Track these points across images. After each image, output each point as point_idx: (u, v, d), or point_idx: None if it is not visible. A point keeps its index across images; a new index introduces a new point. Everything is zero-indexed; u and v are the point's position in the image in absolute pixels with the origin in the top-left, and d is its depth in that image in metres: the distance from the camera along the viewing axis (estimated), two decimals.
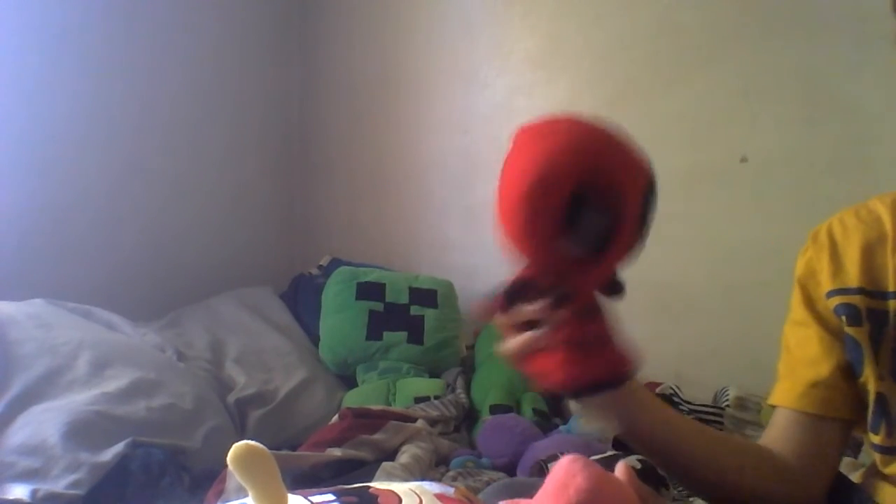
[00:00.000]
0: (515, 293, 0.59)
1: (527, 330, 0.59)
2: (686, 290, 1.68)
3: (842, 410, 0.72)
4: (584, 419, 1.38)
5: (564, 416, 1.56)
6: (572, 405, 1.58)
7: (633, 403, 0.68)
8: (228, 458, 0.36)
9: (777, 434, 0.75)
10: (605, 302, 0.61)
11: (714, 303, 1.64)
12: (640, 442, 0.72)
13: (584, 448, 1.19)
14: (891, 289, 0.70)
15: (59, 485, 1.09)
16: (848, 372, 0.72)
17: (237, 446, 0.36)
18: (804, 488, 0.72)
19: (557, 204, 0.52)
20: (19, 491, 1.06)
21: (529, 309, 0.59)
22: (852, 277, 0.72)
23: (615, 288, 0.60)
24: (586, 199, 0.52)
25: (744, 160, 1.61)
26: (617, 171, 0.54)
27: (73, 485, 1.09)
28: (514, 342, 0.60)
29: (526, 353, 0.59)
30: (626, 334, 0.62)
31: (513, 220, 0.55)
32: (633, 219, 0.55)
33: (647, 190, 0.57)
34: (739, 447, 0.78)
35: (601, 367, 0.59)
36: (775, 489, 0.72)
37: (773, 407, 0.79)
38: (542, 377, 0.60)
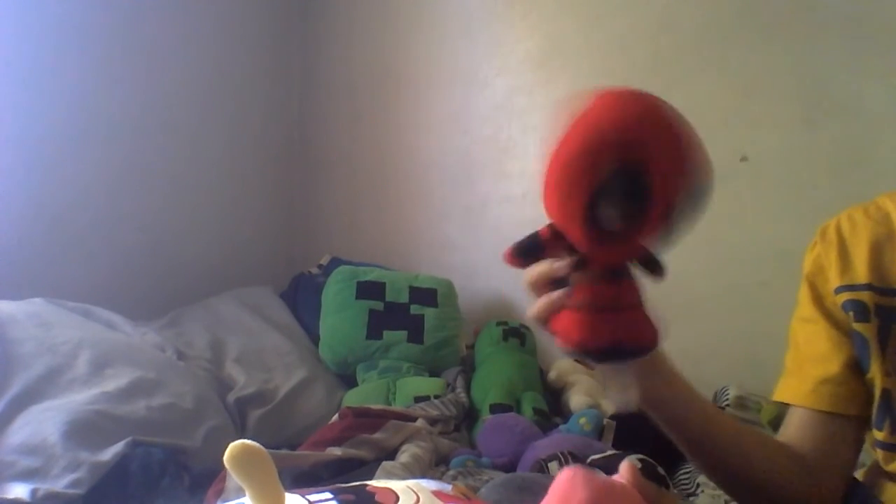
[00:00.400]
0: (529, 249, 0.59)
1: (553, 290, 0.59)
2: (686, 290, 1.67)
3: (852, 407, 0.72)
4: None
5: (564, 416, 1.56)
6: (574, 402, 1.58)
7: (664, 381, 0.69)
8: (225, 458, 0.36)
9: (792, 432, 0.76)
10: (637, 273, 0.60)
11: (714, 303, 1.64)
12: (670, 421, 0.72)
13: (585, 447, 1.19)
14: None
15: (59, 484, 1.08)
16: (857, 368, 0.72)
17: (233, 446, 0.36)
18: (821, 484, 0.73)
19: (592, 177, 0.53)
20: (19, 490, 1.06)
21: (552, 266, 0.59)
22: (860, 274, 0.72)
23: (653, 267, 0.59)
24: (620, 179, 0.52)
25: (744, 160, 1.61)
26: (659, 161, 0.53)
27: (73, 484, 1.09)
28: (539, 302, 0.59)
29: (548, 313, 0.59)
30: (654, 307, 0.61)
31: (551, 183, 0.55)
32: (662, 211, 0.54)
33: (691, 188, 0.55)
34: (762, 439, 0.78)
35: (620, 332, 0.58)
36: (794, 483, 0.72)
37: (780, 403, 0.79)
38: (561, 338, 0.59)
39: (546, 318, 0.59)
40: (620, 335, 0.58)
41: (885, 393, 0.69)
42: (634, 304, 0.59)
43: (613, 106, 0.54)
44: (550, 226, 0.58)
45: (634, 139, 0.52)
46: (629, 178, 0.52)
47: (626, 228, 0.54)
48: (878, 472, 0.72)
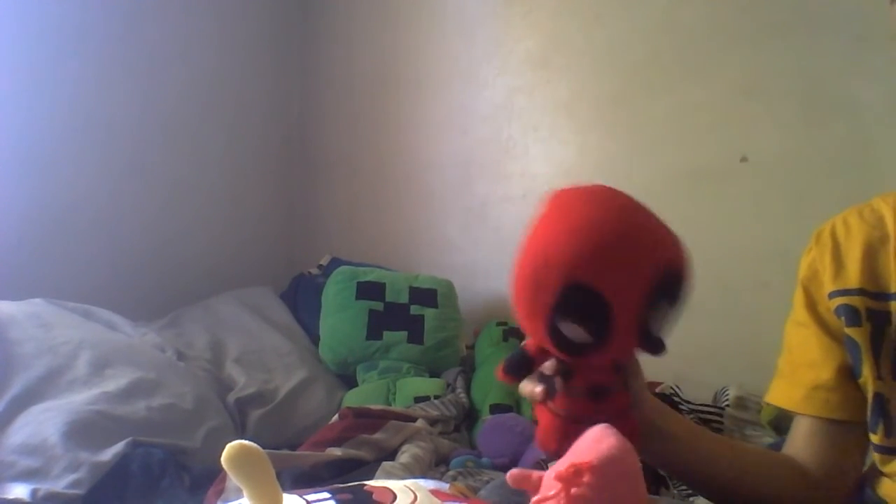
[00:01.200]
0: (519, 366, 0.60)
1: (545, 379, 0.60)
2: None
3: (847, 412, 0.72)
4: None
5: None
6: None
7: (659, 436, 0.69)
8: (222, 459, 0.36)
9: (796, 443, 0.76)
10: (623, 382, 0.60)
11: (714, 303, 1.64)
12: (670, 468, 0.73)
13: None
14: (892, 290, 0.70)
15: (60, 484, 1.08)
16: (850, 374, 0.72)
17: (231, 446, 0.36)
18: (828, 492, 0.73)
19: (548, 297, 0.53)
20: (19, 490, 1.06)
21: (538, 373, 0.60)
22: (853, 278, 0.72)
23: (653, 346, 0.58)
24: (573, 297, 0.52)
25: (744, 160, 1.61)
26: (611, 274, 0.52)
27: (73, 484, 1.09)
28: (525, 389, 0.62)
29: (534, 402, 0.61)
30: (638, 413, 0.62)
31: (515, 298, 0.57)
32: (626, 319, 0.53)
33: (656, 288, 0.54)
34: (766, 460, 0.78)
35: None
36: (801, 497, 0.72)
37: (770, 405, 0.79)
38: (537, 433, 0.61)
39: (533, 404, 0.61)
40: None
41: (878, 397, 0.69)
42: (615, 417, 0.57)
43: (557, 218, 0.54)
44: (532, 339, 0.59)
45: (575, 259, 0.52)
46: (581, 294, 0.52)
47: (598, 339, 0.53)
48: (875, 473, 0.72)
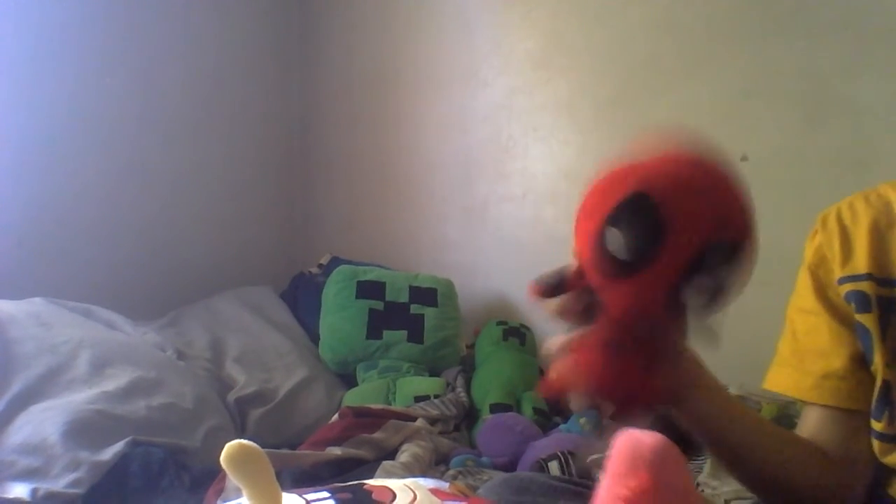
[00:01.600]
0: (556, 282, 0.57)
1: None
2: None
3: (860, 401, 0.71)
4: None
5: (564, 415, 1.56)
6: (574, 401, 1.58)
7: (704, 395, 0.67)
8: (222, 458, 0.36)
9: (808, 432, 0.75)
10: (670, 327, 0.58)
11: None
12: (712, 435, 0.70)
13: (585, 447, 1.19)
14: None
15: (59, 484, 1.09)
16: (862, 361, 0.71)
17: (230, 446, 0.36)
18: (845, 480, 0.72)
19: (611, 200, 0.52)
20: (19, 490, 1.06)
21: (566, 299, 0.57)
22: (861, 264, 0.71)
23: (680, 309, 0.56)
24: (641, 203, 0.51)
25: (744, 160, 1.61)
26: (681, 202, 0.52)
27: (73, 484, 1.09)
28: (557, 339, 0.58)
29: (566, 350, 0.57)
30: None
31: (580, 207, 0.55)
32: (677, 251, 0.52)
33: (718, 239, 0.53)
34: (792, 440, 0.76)
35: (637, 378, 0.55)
36: (821, 482, 0.71)
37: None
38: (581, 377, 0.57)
39: (563, 354, 0.57)
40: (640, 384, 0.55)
41: (885, 384, 0.68)
42: (662, 351, 0.57)
43: (657, 154, 0.54)
44: (577, 266, 0.57)
45: (653, 175, 0.52)
46: (643, 204, 0.51)
47: (637, 260, 0.52)
48: (884, 470, 0.71)
